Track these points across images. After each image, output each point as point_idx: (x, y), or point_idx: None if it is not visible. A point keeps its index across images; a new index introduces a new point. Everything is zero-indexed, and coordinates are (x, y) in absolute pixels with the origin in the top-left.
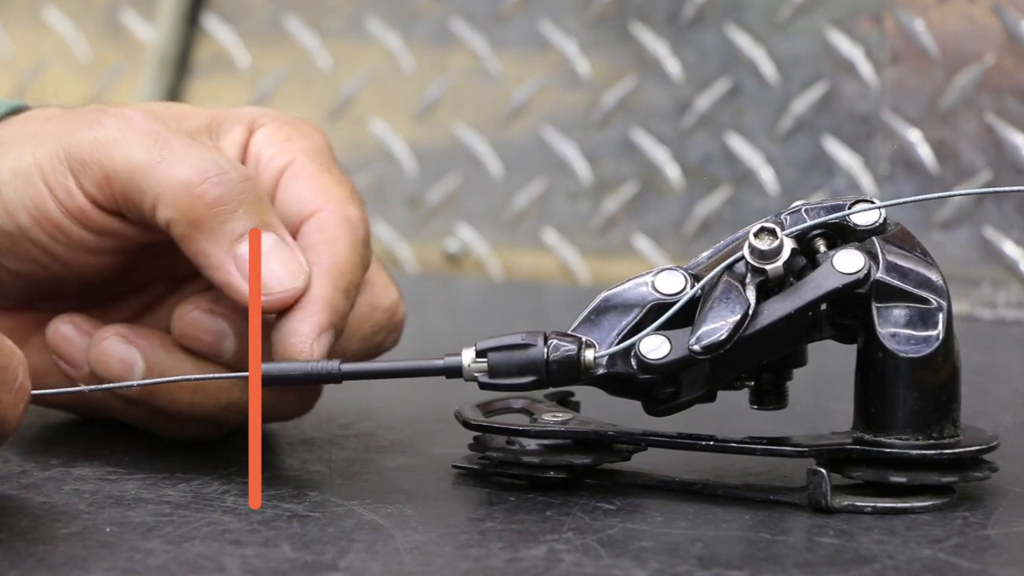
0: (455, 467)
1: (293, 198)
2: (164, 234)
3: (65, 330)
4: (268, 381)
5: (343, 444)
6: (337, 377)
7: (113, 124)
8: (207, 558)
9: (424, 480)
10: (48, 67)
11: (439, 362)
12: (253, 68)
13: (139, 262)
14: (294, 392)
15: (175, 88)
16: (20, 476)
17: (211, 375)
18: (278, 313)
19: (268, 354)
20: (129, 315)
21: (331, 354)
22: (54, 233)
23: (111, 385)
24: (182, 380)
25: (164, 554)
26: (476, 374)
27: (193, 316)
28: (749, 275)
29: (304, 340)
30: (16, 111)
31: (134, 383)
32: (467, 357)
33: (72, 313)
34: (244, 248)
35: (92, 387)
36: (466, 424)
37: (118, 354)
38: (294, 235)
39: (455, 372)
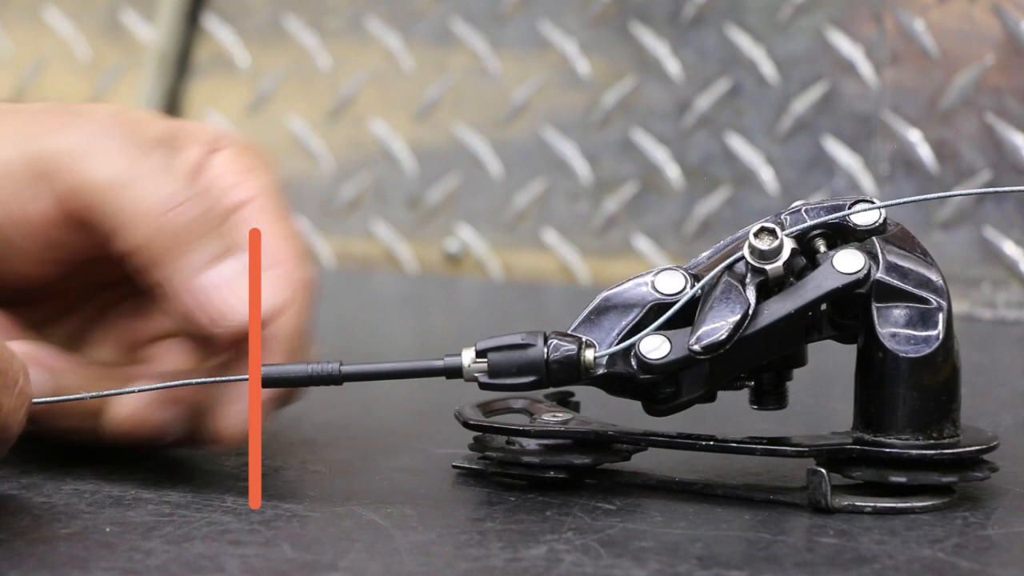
0: (455, 467)
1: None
2: (113, 250)
3: None
4: (268, 383)
5: (343, 444)
6: (338, 379)
7: (81, 134)
8: (207, 558)
9: (424, 480)
10: (48, 67)
11: (439, 363)
12: (253, 68)
13: (75, 272)
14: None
15: (175, 88)
16: (20, 476)
17: (211, 379)
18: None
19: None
20: (45, 316)
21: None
22: None
23: (109, 392)
24: (186, 384)
25: (164, 554)
26: (476, 374)
27: (136, 413)
28: (749, 275)
29: (242, 421)
30: None
31: (135, 389)
32: (467, 357)
33: None
34: (207, 278)
35: (94, 394)
36: (466, 424)
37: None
38: None
39: (455, 373)
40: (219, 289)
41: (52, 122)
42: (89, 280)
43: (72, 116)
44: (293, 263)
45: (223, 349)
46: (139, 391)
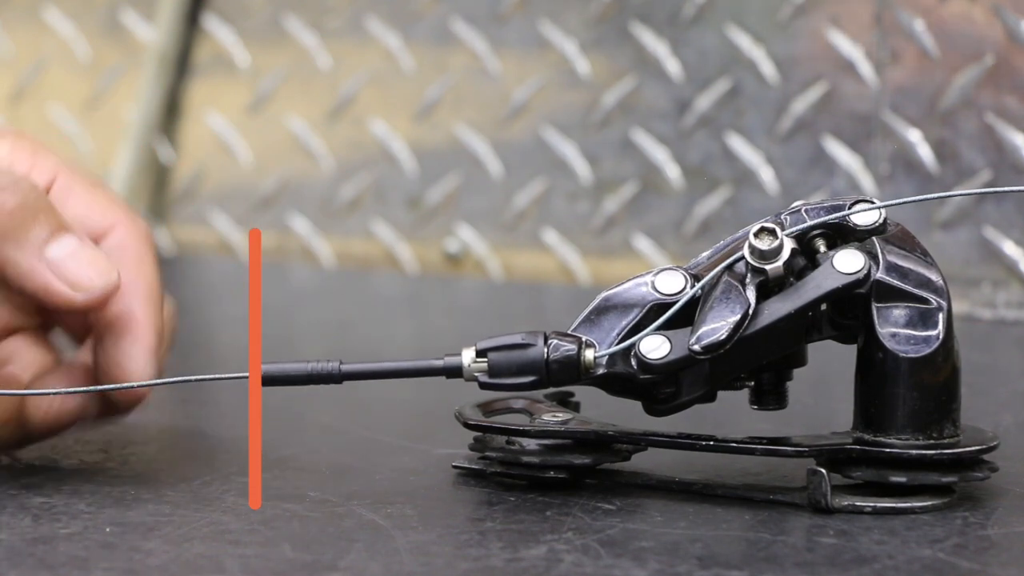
0: (455, 467)
1: (78, 216)
2: None
3: None
4: (268, 381)
5: (343, 444)
6: (337, 377)
7: None
8: (207, 558)
9: (424, 480)
10: (48, 67)
11: (439, 362)
12: (253, 68)
13: None
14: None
15: (175, 88)
16: (20, 476)
17: (212, 376)
18: (104, 327)
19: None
20: None
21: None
22: None
23: (83, 389)
24: (182, 381)
25: (164, 554)
26: (476, 374)
27: (59, 407)
28: (749, 275)
29: (139, 363)
30: None
31: (130, 384)
32: (467, 357)
33: None
34: (54, 251)
35: (68, 390)
36: (466, 424)
37: None
38: None
39: (455, 372)
40: (69, 260)
41: None
42: None
43: None
44: (128, 219)
45: (77, 320)
46: (137, 386)
